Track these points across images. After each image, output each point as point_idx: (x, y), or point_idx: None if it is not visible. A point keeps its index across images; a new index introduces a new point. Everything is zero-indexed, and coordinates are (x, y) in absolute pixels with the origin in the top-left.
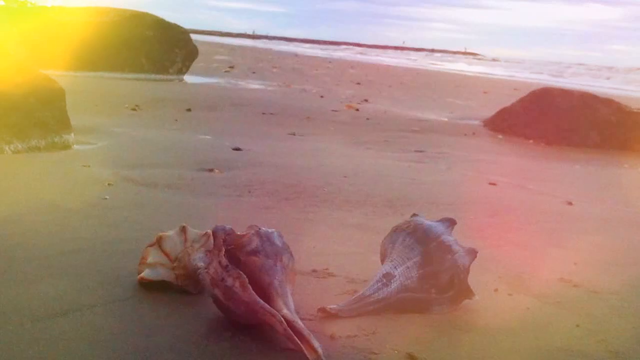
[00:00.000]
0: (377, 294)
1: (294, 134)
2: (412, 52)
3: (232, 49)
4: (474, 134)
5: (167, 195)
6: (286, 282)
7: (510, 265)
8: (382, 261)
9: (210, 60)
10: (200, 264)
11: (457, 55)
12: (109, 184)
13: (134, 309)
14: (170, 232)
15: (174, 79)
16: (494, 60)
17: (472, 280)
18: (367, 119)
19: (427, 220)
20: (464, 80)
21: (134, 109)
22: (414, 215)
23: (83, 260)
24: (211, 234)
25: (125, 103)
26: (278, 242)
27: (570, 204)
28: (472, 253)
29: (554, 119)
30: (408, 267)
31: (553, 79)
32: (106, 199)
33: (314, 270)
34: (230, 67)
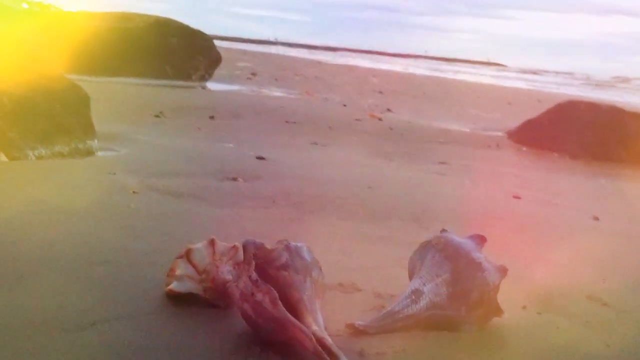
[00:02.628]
0: (405, 310)
1: (317, 144)
2: (434, 61)
3: (254, 55)
4: (497, 145)
5: (191, 204)
6: (315, 297)
7: (538, 283)
8: (411, 277)
9: (233, 67)
10: (229, 277)
11: (480, 66)
12: (133, 192)
13: (161, 322)
14: (199, 245)
15: (196, 86)
16: (517, 71)
17: (500, 297)
18: (391, 128)
19: (457, 236)
20: (487, 90)
21: (157, 116)
22: (443, 230)
23: (110, 271)
24: (239, 246)
25: (149, 110)
26: (307, 257)
27: (596, 219)
28: (502, 271)
29: (580, 132)
30: (437, 284)
31: (578, 91)
32: (131, 207)
33: (341, 284)
34: (252, 74)
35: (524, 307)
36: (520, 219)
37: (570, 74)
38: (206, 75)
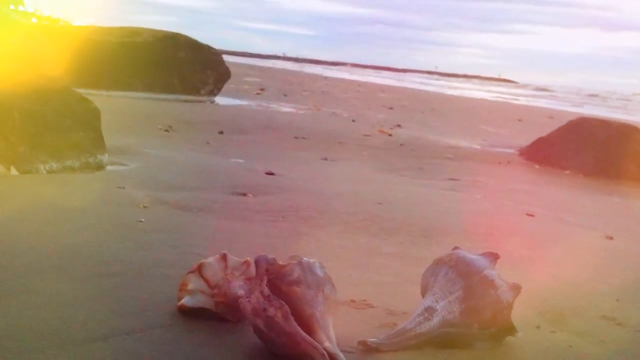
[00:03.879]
0: (418, 328)
1: (327, 159)
2: (443, 77)
3: (261, 70)
4: (509, 162)
5: (201, 219)
6: (328, 313)
7: (552, 301)
8: (423, 294)
9: (241, 82)
10: (240, 292)
11: (491, 82)
12: (143, 206)
13: (173, 337)
14: (211, 259)
15: (205, 101)
16: (528, 87)
17: (514, 315)
18: (401, 144)
19: (470, 253)
20: (498, 107)
21: (166, 130)
22: (456, 248)
23: (121, 285)
24: (251, 261)
25: (158, 124)
26: (320, 272)
27: (610, 238)
28: (516, 289)
29: (592, 150)
30: (450, 302)
31: (590, 108)
32: (142, 221)
33: (353, 301)
34: (261, 89)
35: (538, 327)
36: (533, 236)
37: (582, 90)
38: (215, 90)
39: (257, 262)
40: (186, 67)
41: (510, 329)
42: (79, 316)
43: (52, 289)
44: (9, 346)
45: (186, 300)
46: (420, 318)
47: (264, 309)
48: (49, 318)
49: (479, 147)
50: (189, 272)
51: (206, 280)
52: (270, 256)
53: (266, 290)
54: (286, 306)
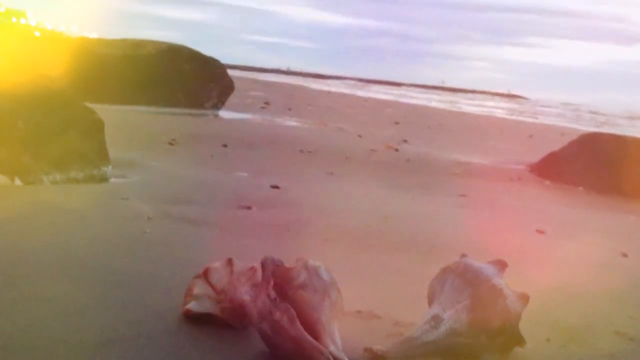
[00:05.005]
0: (424, 336)
1: (332, 174)
2: (451, 93)
3: (266, 85)
4: (519, 179)
5: (206, 232)
6: (333, 318)
7: (563, 316)
8: (430, 303)
9: (245, 96)
10: (247, 298)
11: (500, 98)
12: (148, 218)
13: (179, 342)
14: (217, 264)
15: (209, 114)
16: (539, 104)
17: (523, 329)
18: (408, 160)
19: (478, 262)
20: (508, 123)
21: (170, 144)
22: (463, 255)
23: (126, 293)
24: (258, 268)
25: (162, 137)
26: (326, 277)
27: (624, 255)
28: (524, 298)
29: (606, 167)
30: (457, 311)
31: (605, 126)
32: (147, 232)
33: (359, 312)
34: (265, 103)
35: (548, 340)
36: (544, 253)
37: (596, 107)
38: (219, 104)
39: (263, 264)
40: (190, 80)
41: (519, 340)
42: (85, 322)
43: (59, 297)
44: (16, 350)
45: (192, 305)
46: (427, 326)
47: (270, 313)
48: (56, 324)
49: (487, 163)
50: (195, 277)
51: (212, 286)
52: (276, 258)
53: (272, 294)
54: (292, 310)
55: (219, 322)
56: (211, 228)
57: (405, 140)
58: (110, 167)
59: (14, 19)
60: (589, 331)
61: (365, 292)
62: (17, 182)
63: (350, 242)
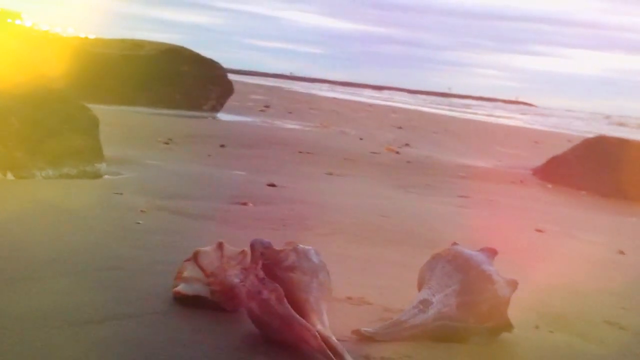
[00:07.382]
0: (412, 319)
1: (332, 174)
2: (457, 99)
3: (268, 89)
4: (522, 182)
5: (200, 224)
6: (322, 299)
7: (554, 306)
8: (420, 288)
9: (246, 100)
10: (236, 281)
11: (507, 105)
12: (142, 211)
13: (170, 322)
14: (207, 248)
15: (207, 116)
16: (547, 112)
17: (513, 316)
18: (408, 162)
19: (468, 249)
20: (514, 130)
21: (166, 143)
22: (454, 243)
23: (119, 277)
24: (248, 252)
25: (158, 137)
26: (315, 259)
27: (622, 253)
28: (513, 284)
29: (611, 170)
30: (446, 295)
31: (611, 134)
32: (140, 223)
33: (349, 298)
34: (265, 106)
35: (537, 327)
36: (540, 250)
37: (605, 116)
38: (218, 106)
39: (252, 246)
40: (189, 81)
41: (507, 325)
42: (78, 302)
43: (52, 279)
44: (10, 325)
45: (182, 287)
46: (415, 310)
47: (259, 292)
48: (49, 302)
49: (491, 166)
50: (185, 260)
51: (202, 269)
52: (265, 240)
53: (261, 274)
54: (280, 289)
55: (209, 305)
56: (205, 220)
57: (407, 144)
58: (104, 163)
59: (9, 20)
60: (579, 320)
61: (357, 280)
62: (10, 176)
63: (345, 236)
